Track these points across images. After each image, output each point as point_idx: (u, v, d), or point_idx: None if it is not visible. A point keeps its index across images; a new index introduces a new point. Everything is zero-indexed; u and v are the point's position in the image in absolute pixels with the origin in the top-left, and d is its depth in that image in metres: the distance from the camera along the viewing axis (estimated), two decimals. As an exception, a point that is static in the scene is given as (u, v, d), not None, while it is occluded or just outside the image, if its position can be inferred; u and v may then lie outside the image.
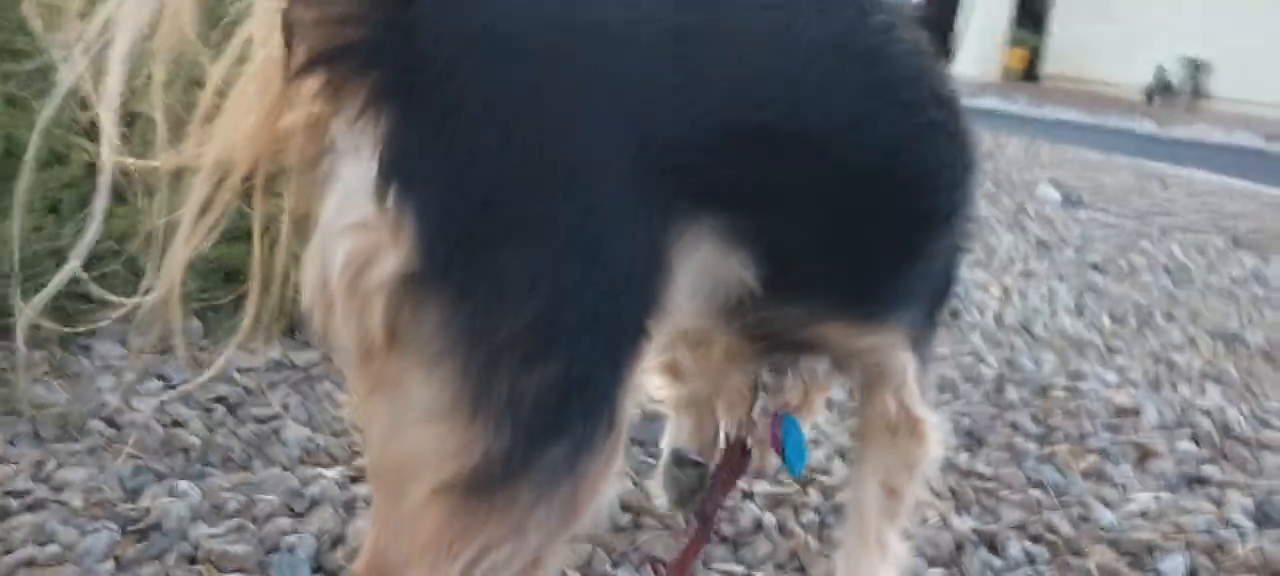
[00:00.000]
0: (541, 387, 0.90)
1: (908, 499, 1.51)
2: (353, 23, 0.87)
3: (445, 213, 0.88)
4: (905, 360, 1.38)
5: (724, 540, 1.84)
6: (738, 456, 1.54)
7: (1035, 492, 2.13)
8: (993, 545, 1.92)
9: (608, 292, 0.93)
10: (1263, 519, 2.14)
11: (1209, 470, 2.33)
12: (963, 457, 2.25)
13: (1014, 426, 2.44)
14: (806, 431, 1.67)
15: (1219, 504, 2.17)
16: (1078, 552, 1.92)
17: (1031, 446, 2.34)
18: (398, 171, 0.88)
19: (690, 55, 0.97)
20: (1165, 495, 2.18)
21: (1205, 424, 2.57)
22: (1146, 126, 15.39)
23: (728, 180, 1.00)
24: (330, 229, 0.93)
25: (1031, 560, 1.89)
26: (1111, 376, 2.89)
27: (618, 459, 1.00)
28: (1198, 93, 20.17)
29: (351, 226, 0.91)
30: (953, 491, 2.10)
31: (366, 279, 0.90)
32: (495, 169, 0.88)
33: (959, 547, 1.91)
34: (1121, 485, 2.21)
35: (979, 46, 19.59)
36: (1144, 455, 2.37)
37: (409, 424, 0.93)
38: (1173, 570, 1.89)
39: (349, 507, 1.78)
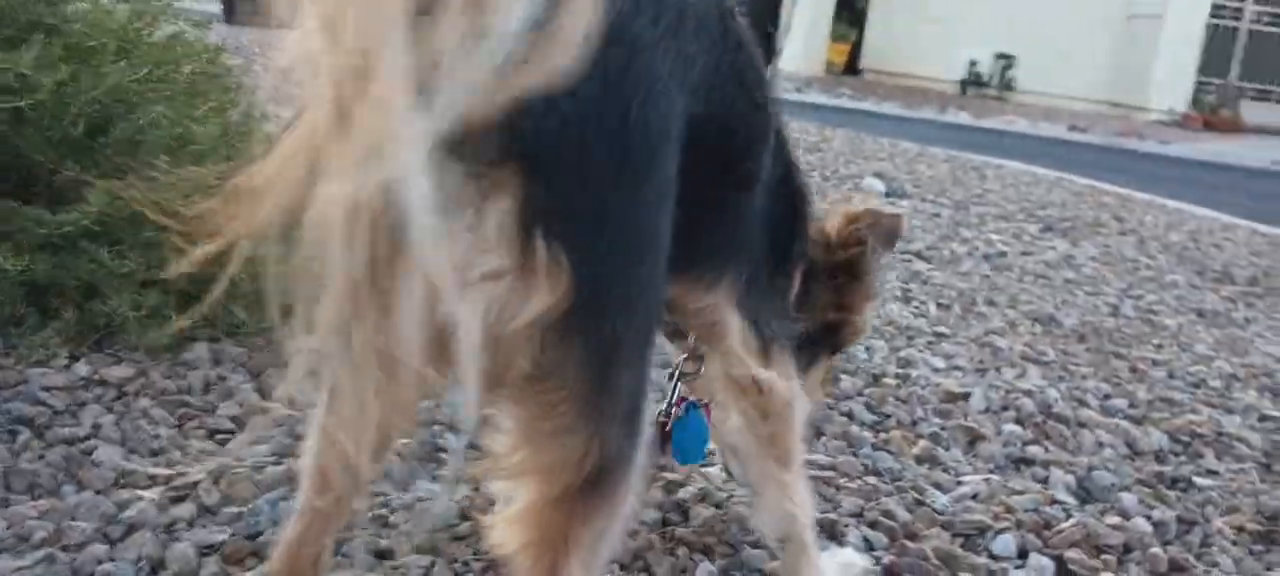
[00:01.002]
0: (637, 379, 1.06)
1: (790, 439, 1.57)
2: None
3: (593, 246, 0.96)
4: (731, 319, 1.46)
5: (568, 544, 1.81)
6: (657, 436, 1.61)
7: (872, 480, 2.17)
8: (832, 534, 1.94)
9: (662, 285, 1.09)
10: (1084, 495, 2.23)
11: (1033, 450, 2.42)
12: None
13: (849, 415, 2.48)
14: None
15: (1044, 482, 2.26)
16: (914, 537, 1.96)
17: (866, 434, 2.39)
18: (542, 216, 0.93)
19: (678, 58, 1.08)
20: (994, 477, 2.25)
21: (1028, 405, 2.67)
22: (961, 118, 16.04)
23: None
24: (456, 279, 0.92)
25: (871, 547, 1.92)
26: (939, 362, 2.98)
27: None
28: (1007, 86, 21.13)
29: (487, 276, 0.94)
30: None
31: (514, 321, 0.95)
32: (622, 193, 0.99)
33: (800, 538, 1.92)
34: (953, 469, 2.28)
35: (803, 42, 20.05)
36: (973, 438, 2.45)
37: (541, 440, 1.04)
38: (1004, 549, 1.95)
39: (170, 530, 1.67)
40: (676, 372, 1.63)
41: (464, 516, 1.81)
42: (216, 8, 12.04)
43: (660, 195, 1.04)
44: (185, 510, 1.73)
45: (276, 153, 0.87)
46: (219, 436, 1.99)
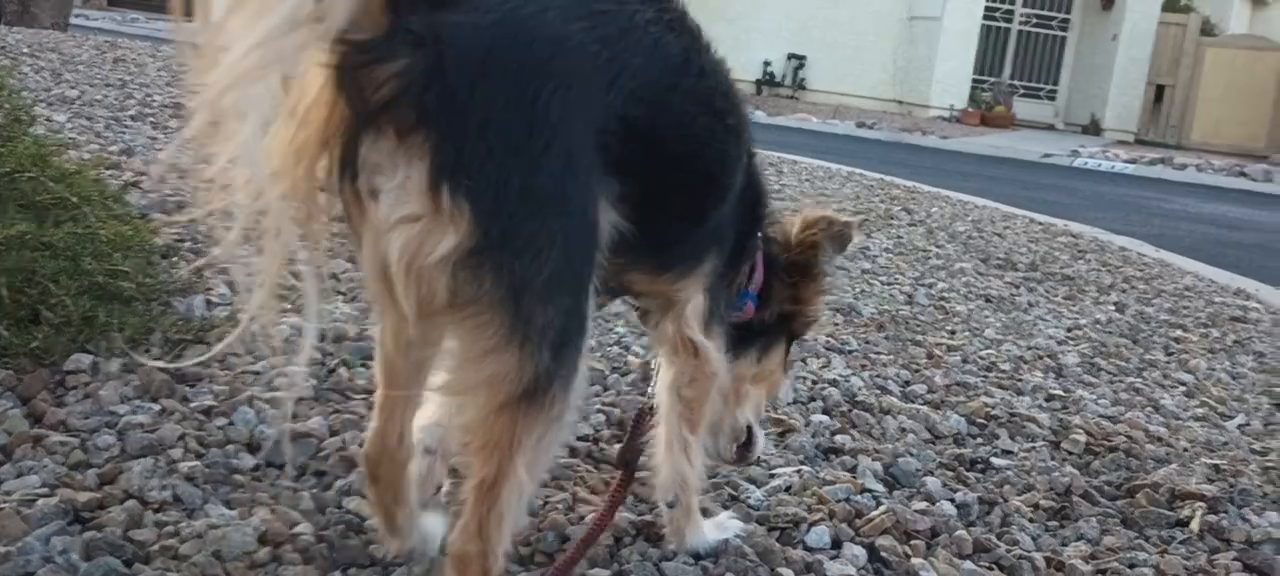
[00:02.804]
0: (560, 316, 1.29)
1: (702, 410, 1.80)
2: (400, 72, 1.17)
3: (494, 199, 1.20)
4: (691, 297, 1.71)
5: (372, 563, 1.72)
6: (647, 417, 1.87)
7: (686, 478, 2.15)
8: (650, 536, 1.91)
9: (585, 245, 1.32)
10: (892, 481, 2.28)
11: (841, 439, 2.46)
12: (615, 449, 2.24)
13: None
14: None
15: (853, 471, 2.29)
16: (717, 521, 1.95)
17: (680, 431, 2.37)
18: (449, 174, 1.19)
19: (607, 63, 1.32)
20: (805, 468, 2.27)
21: (834, 395, 2.72)
22: (758, 116, 16.43)
23: (618, 159, 1.34)
24: (384, 225, 1.21)
25: (689, 547, 1.89)
26: (747, 356, 3.00)
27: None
28: (799, 85, 21.78)
29: (402, 220, 1.20)
30: (607, 485, 2.08)
31: (425, 258, 1.21)
32: (522, 161, 1.22)
33: (618, 542, 1.89)
34: (765, 462, 2.28)
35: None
36: (783, 430, 2.46)
37: (476, 359, 1.28)
38: (818, 541, 1.96)
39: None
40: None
41: (262, 541, 1.70)
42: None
43: (568, 166, 1.26)
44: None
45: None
46: (-18, 469, 1.81)
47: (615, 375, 2.70)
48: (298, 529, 1.74)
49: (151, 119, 5.63)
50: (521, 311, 1.25)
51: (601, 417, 2.38)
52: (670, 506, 1.83)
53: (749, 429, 2.01)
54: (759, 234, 1.86)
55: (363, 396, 2.28)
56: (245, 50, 1.09)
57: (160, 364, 2.23)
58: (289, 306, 2.41)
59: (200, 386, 2.20)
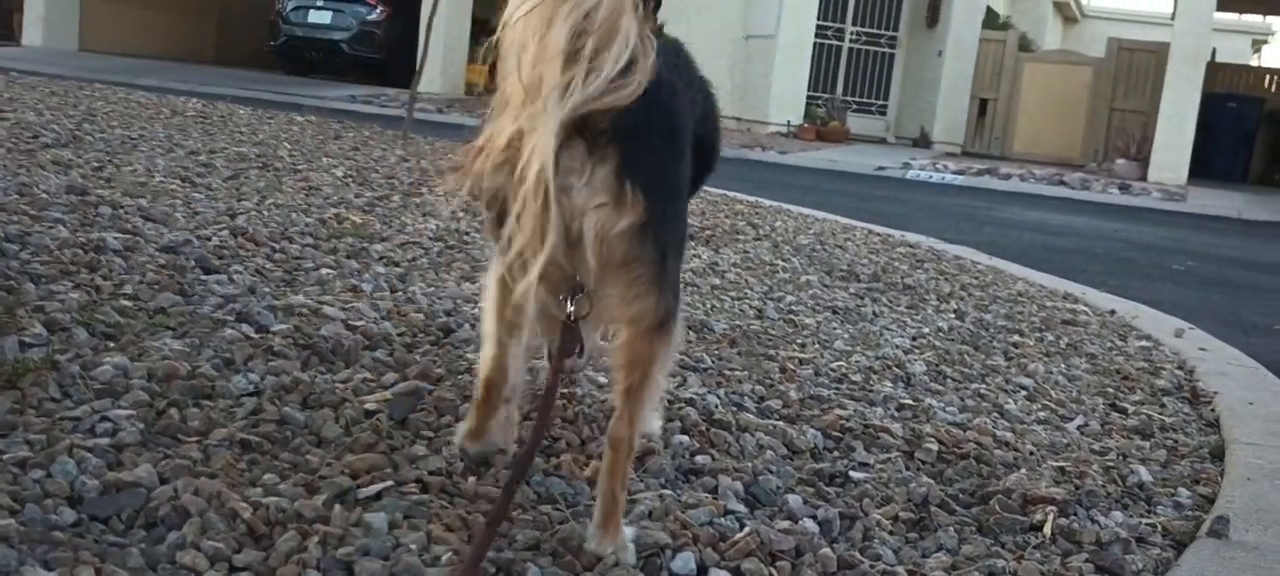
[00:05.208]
0: (678, 271, 1.87)
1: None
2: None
3: (655, 188, 1.74)
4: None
5: None
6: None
7: (546, 508, 2.08)
8: (511, 572, 1.83)
9: (687, 221, 1.93)
10: (753, 500, 2.25)
11: (701, 459, 2.42)
12: (469, 482, 2.15)
13: (518, 442, 2.39)
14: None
15: (714, 492, 2.25)
16: (592, 567, 1.89)
17: (537, 459, 2.29)
18: (629, 173, 1.71)
19: (689, 103, 2.02)
20: (667, 492, 2.22)
21: (692, 414, 2.68)
22: (600, 135, 16.41)
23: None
24: (581, 209, 1.71)
25: (551, 583, 1.82)
26: (603, 378, 2.94)
27: None
28: (640, 103, 21.93)
29: (597, 206, 1.71)
30: (463, 520, 1.99)
31: (611, 231, 1.71)
32: (669, 164, 1.83)
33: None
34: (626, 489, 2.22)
35: (442, 65, 19.86)
36: (642, 453, 2.41)
37: (632, 299, 1.79)
38: (684, 567, 1.92)
39: None
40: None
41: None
42: None
43: (686, 166, 1.89)
44: None
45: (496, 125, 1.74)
46: None
47: (467, 404, 2.60)
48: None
49: (-43, 147, 5.26)
50: (665, 266, 1.79)
51: (456, 450, 2.29)
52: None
53: None
54: None
55: (196, 439, 2.13)
56: (559, 98, 1.63)
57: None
58: (113, 344, 2.23)
59: (14, 436, 2.02)
